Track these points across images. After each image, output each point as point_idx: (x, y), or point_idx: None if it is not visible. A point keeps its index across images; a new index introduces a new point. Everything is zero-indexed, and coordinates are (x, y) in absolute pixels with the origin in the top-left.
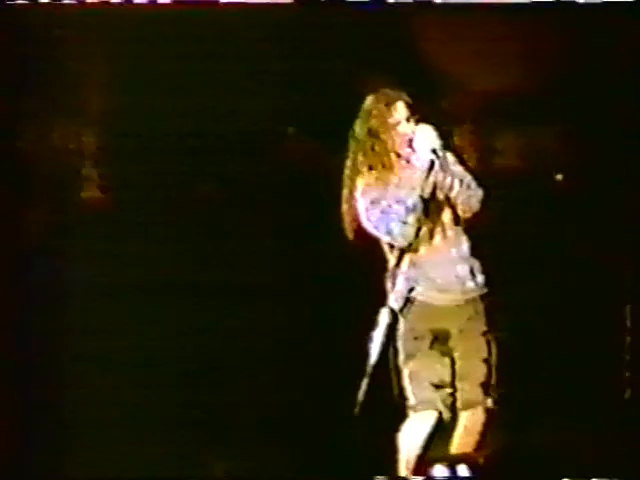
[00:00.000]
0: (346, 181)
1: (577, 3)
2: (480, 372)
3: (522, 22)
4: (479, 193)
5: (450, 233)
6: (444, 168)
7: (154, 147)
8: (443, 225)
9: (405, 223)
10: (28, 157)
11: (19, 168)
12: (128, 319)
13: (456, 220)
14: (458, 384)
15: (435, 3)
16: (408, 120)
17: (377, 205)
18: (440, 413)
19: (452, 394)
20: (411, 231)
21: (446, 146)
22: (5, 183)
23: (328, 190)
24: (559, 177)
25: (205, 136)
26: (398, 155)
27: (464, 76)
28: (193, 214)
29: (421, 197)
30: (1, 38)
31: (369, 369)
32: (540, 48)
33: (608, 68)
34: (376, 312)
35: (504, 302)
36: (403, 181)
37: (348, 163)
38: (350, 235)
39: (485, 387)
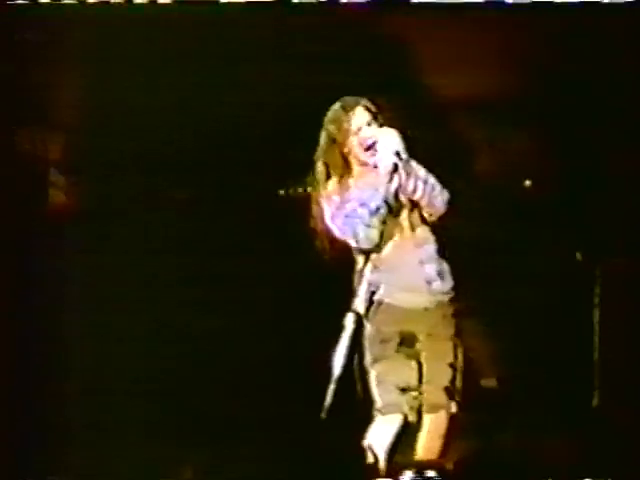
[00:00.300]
0: (313, 190)
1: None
2: (445, 376)
3: (499, 24)
4: (445, 195)
5: (418, 232)
6: (407, 171)
7: (155, 145)
8: (411, 225)
9: (369, 226)
10: (28, 157)
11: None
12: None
13: (424, 220)
14: (423, 387)
15: (412, 4)
16: (369, 124)
17: (342, 210)
18: (406, 416)
19: (418, 397)
20: (375, 233)
21: (410, 149)
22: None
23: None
24: (527, 183)
25: (195, 142)
26: (360, 159)
27: (434, 80)
28: (169, 220)
29: (385, 200)
30: (1, 38)
31: (336, 374)
32: (517, 52)
33: (580, 73)
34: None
35: (472, 306)
36: (367, 184)
37: (315, 173)
38: (325, 244)
39: (449, 392)
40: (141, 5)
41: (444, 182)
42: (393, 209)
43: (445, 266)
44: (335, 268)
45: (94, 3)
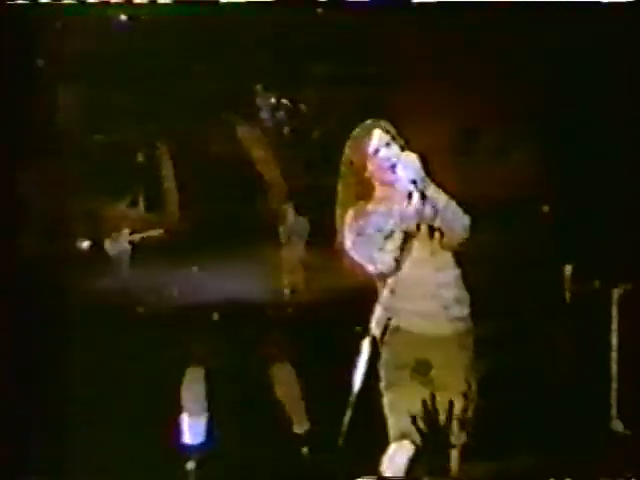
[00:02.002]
0: (338, 218)
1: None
2: (457, 406)
3: (507, 43)
4: (465, 221)
5: (438, 257)
6: (426, 196)
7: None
8: (432, 249)
9: (384, 250)
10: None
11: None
12: None
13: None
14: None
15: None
16: (388, 145)
17: (362, 235)
18: (417, 444)
19: None
20: (390, 258)
21: (428, 175)
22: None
23: None
24: (545, 209)
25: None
26: (381, 180)
27: (453, 105)
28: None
29: (401, 225)
30: (1, 38)
31: (352, 399)
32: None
33: (599, 100)
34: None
35: (489, 334)
36: (384, 208)
37: (338, 200)
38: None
39: (461, 422)
40: (141, 5)
41: (464, 207)
42: (411, 234)
43: (464, 293)
44: (357, 293)
45: (94, 3)
